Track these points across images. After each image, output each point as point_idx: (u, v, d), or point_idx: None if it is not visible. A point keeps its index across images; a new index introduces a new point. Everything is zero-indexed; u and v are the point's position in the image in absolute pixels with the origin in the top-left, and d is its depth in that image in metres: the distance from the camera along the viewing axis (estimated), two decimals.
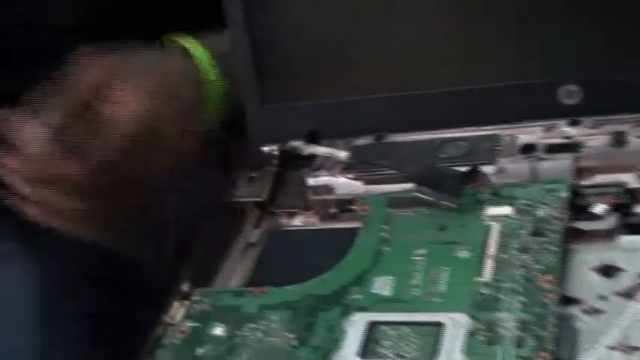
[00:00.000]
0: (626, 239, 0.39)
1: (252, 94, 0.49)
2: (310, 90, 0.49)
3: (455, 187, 0.41)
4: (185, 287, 0.43)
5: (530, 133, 0.44)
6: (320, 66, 0.48)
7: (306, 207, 0.47)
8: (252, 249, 0.47)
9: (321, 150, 0.45)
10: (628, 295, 0.36)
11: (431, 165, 0.43)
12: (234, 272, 0.46)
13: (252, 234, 0.48)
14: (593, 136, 0.43)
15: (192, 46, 0.51)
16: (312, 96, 0.49)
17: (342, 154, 0.44)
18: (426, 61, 0.46)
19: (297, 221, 0.48)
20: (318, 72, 0.48)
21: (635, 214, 0.40)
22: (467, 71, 0.45)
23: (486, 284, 0.38)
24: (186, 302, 0.43)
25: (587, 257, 0.39)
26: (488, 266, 0.39)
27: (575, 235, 0.40)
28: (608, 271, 0.38)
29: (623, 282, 0.37)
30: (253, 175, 0.49)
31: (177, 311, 0.42)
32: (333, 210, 0.47)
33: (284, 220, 0.48)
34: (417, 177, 0.42)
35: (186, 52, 0.51)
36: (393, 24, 0.45)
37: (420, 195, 0.42)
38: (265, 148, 0.50)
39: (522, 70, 0.44)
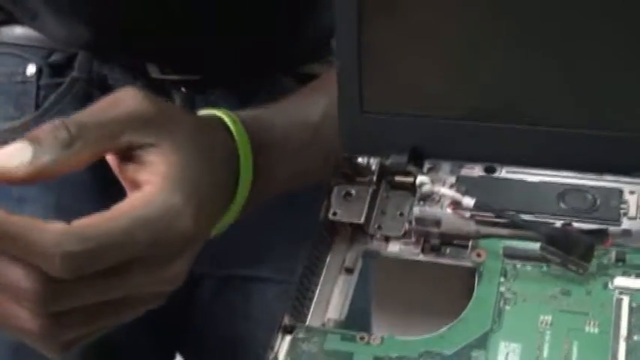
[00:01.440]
0: None
1: (352, 99, 0.46)
2: (418, 104, 0.46)
3: (586, 254, 0.41)
4: (287, 320, 0.42)
5: None
6: (435, 79, 0.46)
7: (405, 233, 0.46)
8: (348, 275, 0.46)
9: (444, 191, 0.43)
10: None
11: (565, 228, 0.41)
12: (330, 302, 0.45)
13: (348, 257, 0.46)
14: None
15: None
16: (419, 110, 0.46)
17: (469, 201, 0.42)
18: (556, 97, 0.44)
19: (395, 248, 0.46)
20: (431, 85, 0.46)
21: None
22: (595, 113, 0.44)
23: None
24: (289, 337, 0.42)
25: None
26: (622, 348, 0.39)
27: None
28: None
29: None
30: (350, 190, 0.47)
31: (281, 347, 0.41)
32: (435, 242, 0.46)
33: (379, 245, 0.47)
34: (547, 234, 0.41)
35: None
36: (531, 51, 0.43)
37: (547, 255, 0.41)
38: (360, 159, 0.48)
39: None
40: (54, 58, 0.63)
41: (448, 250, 0.46)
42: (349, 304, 0.45)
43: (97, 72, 0.62)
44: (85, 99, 0.62)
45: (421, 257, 0.46)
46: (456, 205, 0.44)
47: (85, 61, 0.62)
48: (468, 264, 0.44)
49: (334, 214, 0.46)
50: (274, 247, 0.65)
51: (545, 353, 0.39)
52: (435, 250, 0.46)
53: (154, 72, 0.62)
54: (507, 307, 0.41)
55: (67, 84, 0.62)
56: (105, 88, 0.61)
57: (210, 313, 0.67)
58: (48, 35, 0.62)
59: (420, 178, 0.45)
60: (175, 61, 0.61)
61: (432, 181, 0.44)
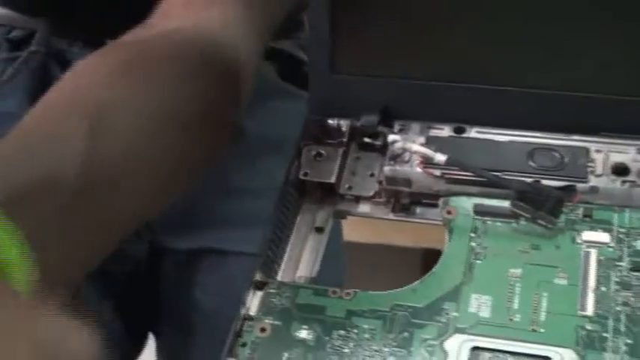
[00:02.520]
0: None
1: (323, 61, 0.47)
2: (388, 65, 0.47)
3: (555, 209, 0.42)
4: (259, 276, 0.43)
5: (622, 152, 0.45)
6: (405, 41, 0.46)
7: (375, 194, 0.47)
8: (319, 234, 0.47)
9: (415, 148, 0.44)
10: None
11: (535, 184, 0.43)
12: (300, 260, 0.46)
13: (317, 217, 0.47)
14: None
15: None
16: (389, 72, 0.47)
17: (441, 157, 0.43)
18: (524, 59, 0.45)
19: (365, 208, 0.47)
20: (401, 47, 0.47)
21: None
22: (563, 74, 0.45)
23: (591, 319, 0.39)
24: (260, 293, 0.42)
25: None
26: (590, 299, 0.40)
27: None
28: None
29: None
30: (321, 151, 0.47)
31: (252, 302, 0.42)
32: (405, 201, 0.47)
33: (350, 205, 0.47)
34: (517, 191, 0.42)
35: None
36: (498, 12, 0.44)
37: (517, 211, 0.42)
38: (330, 121, 0.48)
39: (624, 86, 0.44)
40: (14, 34, 0.63)
41: (418, 210, 0.47)
42: (320, 262, 0.46)
43: (55, 46, 0.62)
44: (43, 72, 0.62)
45: (391, 216, 0.47)
46: (426, 163, 0.45)
47: (44, 36, 0.62)
48: (439, 222, 0.45)
49: (305, 174, 0.47)
50: (240, 219, 0.65)
51: (516, 304, 0.40)
52: (406, 209, 0.47)
53: None
54: (478, 262, 0.42)
55: (24, 57, 0.62)
56: (63, 63, 0.61)
57: (175, 288, 0.68)
58: (9, 3, 0.62)
59: (392, 137, 0.45)
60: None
61: (403, 140, 0.45)
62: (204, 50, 0.43)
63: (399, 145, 0.45)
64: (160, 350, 0.72)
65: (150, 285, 0.68)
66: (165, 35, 0.44)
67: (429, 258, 0.42)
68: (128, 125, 0.39)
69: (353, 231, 0.72)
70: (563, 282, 0.41)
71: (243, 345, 0.40)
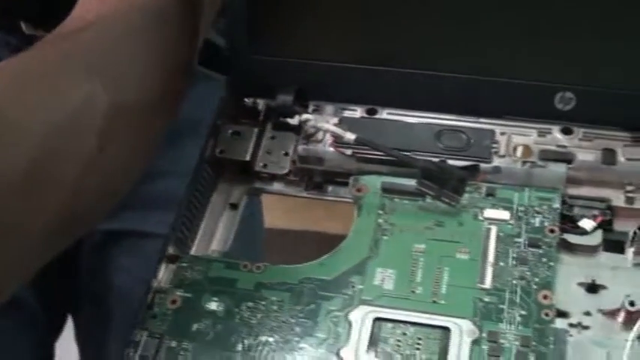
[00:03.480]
0: (607, 256, 0.44)
1: (241, 41, 0.49)
2: (304, 47, 0.49)
3: (459, 187, 0.44)
4: (172, 250, 0.44)
5: (524, 135, 0.47)
6: (319, 24, 0.48)
7: (289, 172, 0.48)
8: (233, 211, 0.48)
9: (326, 126, 0.46)
10: (612, 315, 0.41)
11: (441, 163, 0.45)
12: (214, 235, 0.47)
13: (232, 194, 0.49)
14: (585, 149, 0.46)
15: None
16: (305, 54, 0.49)
17: (350, 136, 0.45)
18: (432, 42, 0.47)
19: (279, 186, 0.49)
20: (316, 30, 0.48)
21: (615, 232, 0.45)
22: (471, 59, 0.47)
23: (488, 292, 0.42)
24: (172, 266, 0.44)
25: (574, 270, 0.43)
26: (489, 273, 0.42)
27: (562, 246, 0.44)
28: (593, 287, 0.42)
29: (606, 300, 0.42)
30: (237, 130, 0.49)
31: (164, 276, 0.43)
32: (318, 179, 0.48)
33: (265, 183, 0.49)
34: (423, 170, 0.44)
35: None
36: None
37: (423, 189, 0.44)
38: (247, 100, 0.50)
39: (527, 70, 0.47)
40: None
41: (330, 188, 0.49)
42: (233, 237, 0.47)
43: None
44: None
45: (304, 194, 0.49)
46: (338, 141, 0.47)
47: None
48: (349, 199, 0.47)
49: (221, 152, 0.48)
50: (161, 201, 0.66)
51: (419, 278, 0.43)
52: (318, 187, 0.49)
53: (28, 29, 0.62)
54: (384, 238, 0.44)
55: None
56: None
57: (93, 269, 0.68)
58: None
59: (305, 116, 0.47)
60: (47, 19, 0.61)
61: (316, 120, 0.47)
62: None
63: (311, 123, 0.47)
64: (79, 331, 0.73)
65: (67, 265, 0.69)
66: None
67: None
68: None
69: (272, 215, 0.73)
70: (465, 257, 0.43)
71: (154, 317, 0.42)
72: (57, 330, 0.73)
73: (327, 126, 0.46)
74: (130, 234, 0.66)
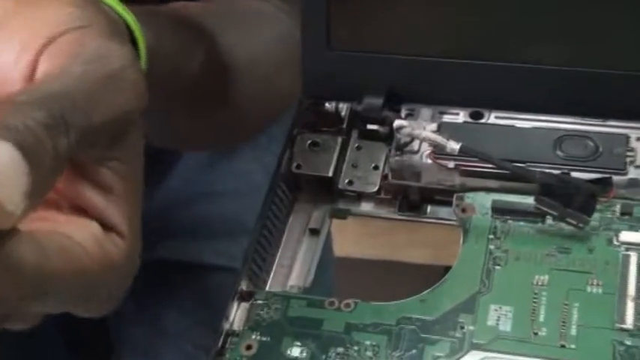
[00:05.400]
0: None
1: (318, 33, 0.48)
2: (394, 38, 0.48)
3: (587, 205, 0.43)
4: (244, 285, 0.44)
5: None
6: (413, 10, 0.47)
7: (380, 189, 0.48)
8: (313, 237, 0.48)
9: (424, 134, 0.45)
10: None
11: (563, 177, 0.44)
12: (293, 268, 0.47)
13: (312, 217, 0.48)
14: None
15: None
16: (395, 47, 0.48)
17: (453, 145, 0.44)
18: (554, 31, 0.46)
19: (367, 206, 0.48)
20: (409, 17, 0.47)
21: None
22: (600, 49, 0.46)
23: (631, 333, 0.40)
24: (246, 304, 0.43)
25: None
26: (630, 310, 0.41)
27: None
28: None
29: None
30: (316, 140, 0.48)
31: (237, 316, 0.43)
32: (414, 197, 0.48)
33: (350, 203, 0.49)
34: (542, 185, 0.43)
35: None
36: None
37: (542, 208, 0.43)
38: (328, 105, 0.49)
39: None
40: None
41: (429, 208, 0.48)
42: (315, 269, 0.47)
43: None
44: None
45: (397, 216, 0.48)
46: (438, 152, 0.46)
47: None
48: (453, 222, 0.46)
49: (298, 166, 0.48)
50: (210, 224, 0.65)
51: (542, 316, 0.41)
52: (414, 207, 0.48)
53: None
54: (497, 267, 0.43)
55: None
56: None
57: (128, 312, 0.67)
58: None
59: (398, 122, 0.46)
60: None
61: (411, 126, 0.46)
62: None
63: (406, 132, 0.46)
64: None
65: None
66: None
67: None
68: None
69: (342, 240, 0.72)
70: (598, 290, 0.42)
71: None
72: None
73: (425, 133, 0.45)
74: (178, 266, 0.65)
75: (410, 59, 0.48)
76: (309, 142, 0.49)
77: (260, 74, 0.52)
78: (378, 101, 0.48)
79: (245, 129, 0.52)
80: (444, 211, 0.47)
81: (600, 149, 0.46)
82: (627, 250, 0.43)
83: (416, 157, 0.47)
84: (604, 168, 0.45)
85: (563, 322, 0.41)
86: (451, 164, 0.46)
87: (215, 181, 0.58)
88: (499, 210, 0.45)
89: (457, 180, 0.46)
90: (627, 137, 0.46)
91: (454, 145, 0.44)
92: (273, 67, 0.53)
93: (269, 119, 0.55)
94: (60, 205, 0.34)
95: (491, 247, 0.44)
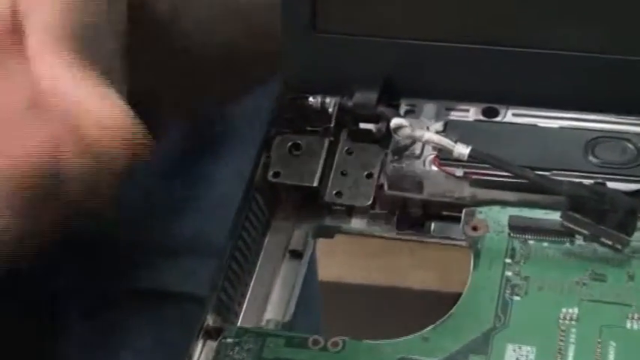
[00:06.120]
0: None
1: (300, 15, 0.46)
2: (391, 20, 0.46)
3: (626, 222, 0.40)
4: (211, 320, 0.41)
5: None
6: None
7: (374, 201, 0.45)
8: (294, 260, 0.45)
9: (427, 135, 0.43)
10: None
11: (597, 188, 0.41)
12: (269, 298, 0.44)
13: (293, 236, 0.46)
14: None
15: None
16: (392, 30, 0.46)
17: (462, 149, 0.41)
18: (578, 11, 0.43)
19: (359, 223, 0.46)
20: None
21: None
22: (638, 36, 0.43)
23: None
24: (212, 343, 0.41)
25: None
26: None
27: None
28: None
29: None
30: (298, 142, 0.46)
31: (202, 356, 0.41)
32: (415, 212, 0.45)
33: (338, 219, 0.46)
34: (570, 198, 0.41)
35: None
36: None
37: (572, 225, 0.40)
38: (312, 99, 0.47)
39: None
40: None
41: (433, 225, 0.46)
42: (296, 300, 0.44)
43: None
44: None
45: (395, 234, 0.46)
46: (443, 158, 0.44)
47: None
48: (461, 242, 0.43)
49: (276, 174, 0.45)
50: (171, 241, 0.62)
51: (570, 358, 0.38)
52: (416, 224, 0.46)
53: None
54: (516, 298, 0.41)
55: None
56: None
57: (84, 342, 0.64)
58: None
59: (396, 120, 0.44)
60: None
61: (412, 126, 0.44)
62: None
63: (405, 132, 0.43)
64: None
65: (45, 337, 0.65)
66: None
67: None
68: None
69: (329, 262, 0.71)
70: (639, 326, 0.39)
71: None
72: None
73: (428, 135, 0.43)
74: (138, 294, 0.62)
75: (410, 44, 0.46)
76: (289, 144, 0.46)
77: None
78: (372, 95, 0.46)
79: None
80: (450, 229, 0.45)
81: None
82: None
83: (417, 164, 0.45)
84: None
85: None
86: (459, 172, 0.44)
87: (178, 190, 0.55)
88: (518, 228, 0.42)
89: (467, 191, 0.44)
90: None
91: (463, 149, 0.42)
92: None
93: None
94: None
95: (508, 273, 0.41)
